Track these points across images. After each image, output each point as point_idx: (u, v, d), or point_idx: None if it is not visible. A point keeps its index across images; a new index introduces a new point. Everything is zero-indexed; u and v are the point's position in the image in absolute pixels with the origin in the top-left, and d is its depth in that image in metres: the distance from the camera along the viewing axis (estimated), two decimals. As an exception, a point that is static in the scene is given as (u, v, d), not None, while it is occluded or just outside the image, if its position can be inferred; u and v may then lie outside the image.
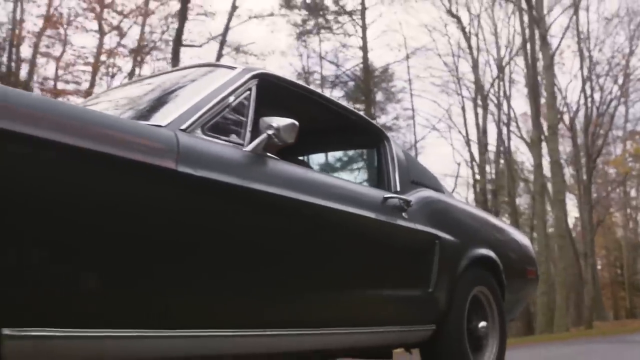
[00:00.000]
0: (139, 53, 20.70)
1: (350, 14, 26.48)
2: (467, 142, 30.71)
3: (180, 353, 2.59)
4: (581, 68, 29.59)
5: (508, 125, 30.02)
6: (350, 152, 5.08)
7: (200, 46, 22.28)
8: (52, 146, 2.11)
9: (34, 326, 2.04)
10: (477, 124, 29.94)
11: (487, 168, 31.15)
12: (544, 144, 24.69)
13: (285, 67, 25.91)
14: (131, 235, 2.34)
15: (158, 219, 2.42)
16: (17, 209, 2.00)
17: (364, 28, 26.25)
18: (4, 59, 19.03)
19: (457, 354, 4.10)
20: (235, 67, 3.22)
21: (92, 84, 19.34)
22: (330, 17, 26.70)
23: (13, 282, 1.98)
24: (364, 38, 26.22)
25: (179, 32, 19.77)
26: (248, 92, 3.08)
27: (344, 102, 4.29)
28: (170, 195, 2.46)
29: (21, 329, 2.00)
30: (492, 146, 30.89)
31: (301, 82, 3.75)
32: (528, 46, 26.24)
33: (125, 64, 22.29)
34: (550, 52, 24.49)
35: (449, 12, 28.99)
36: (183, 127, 2.67)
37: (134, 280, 2.34)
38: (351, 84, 26.82)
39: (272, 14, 23.92)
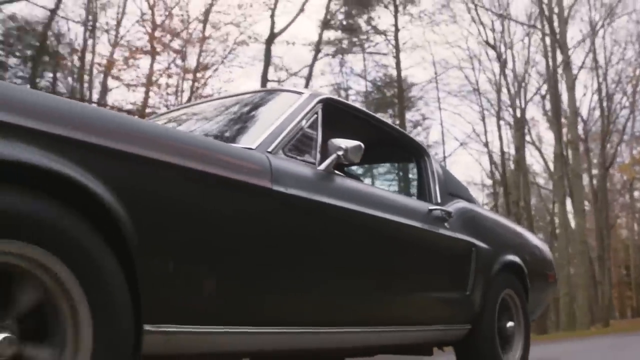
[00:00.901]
0: (195, 74, 20.83)
1: (383, 33, 26.31)
2: (489, 154, 30.45)
3: (272, 347, 2.75)
4: (599, 89, 29.34)
5: (523, 134, 29.66)
6: (395, 166, 5.14)
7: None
8: (184, 171, 2.28)
9: (166, 323, 2.17)
10: (500, 137, 29.67)
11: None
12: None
13: (320, 84, 25.82)
14: (238, 246, 2.48)
15: (258, 232, 2.56)
16: (160, 226, 2.16)
17: (397, 49, 26.09)
18: (76, 83, 19.19)
19: (490, 351, 4.14)
20: (302, 92, 3.30)
21: (145, 104, 19.42)
22: (363, 36, 26.52)
23: (154, 288, 2.11)
24: (397, 58, 26.09)
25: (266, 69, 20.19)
26: (315, 116, 3.16)
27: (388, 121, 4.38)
28: (267, 210, 2.60)
29: (157, 325, 2.13)
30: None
31: (356, 104, 3.84)
32: (548, 61, 26.25)
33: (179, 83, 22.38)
34: (573, 77, 24.66)
35: (487, 42, 28.45)
36: (269, 149, 2.78)
37: (237, 284, 2.48)
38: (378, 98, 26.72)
39: (317, 42, 23.83)
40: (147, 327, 2.08)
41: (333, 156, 3.01)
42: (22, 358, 1.77)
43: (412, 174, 5.03)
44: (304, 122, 3.06)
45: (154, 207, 2.15)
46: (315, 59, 23.28)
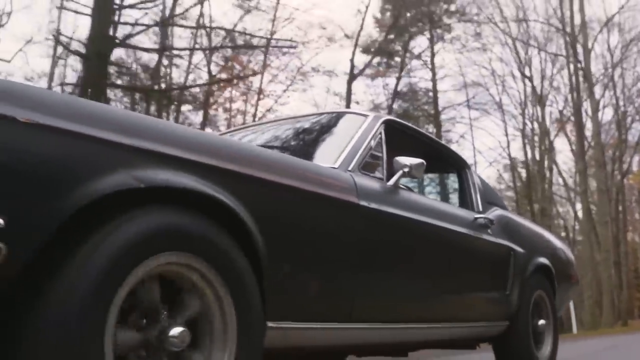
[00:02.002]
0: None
1: (419, 57, 26.21)
2: (512, 167, 30.00)
3: (361, 341, 2.87)
4: (616, 105, 28.72)
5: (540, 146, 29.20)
6: (441, 177, 5.16)
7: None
8: (294, 190, 2.42)
9: (284, 320, 2.30)
10: (525, 153, 29.25)
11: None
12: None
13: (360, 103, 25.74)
14: (334, 253, 2.58)
15: (349, 241, 2.65)
16: (278, 237, 2.28)
17: (433, 72, 26.00)
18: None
19: (525, 347, 4.14)
20: (367, 114, 3.36)
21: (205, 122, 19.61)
22: (398, 58, 26.28)
23: (274, 290, 2.23)
24: (433, 81, 25.99)
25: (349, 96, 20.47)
26: (380, 135, 3.21)
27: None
28: (356, 222, 2.68)
29: (278, 322, 2.26)
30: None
31: (411, 124, 3.88)
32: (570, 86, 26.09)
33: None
34: (596, 101, 24.64)
35: (523, 74, 28.04)
36: (350, 168, 2.86)
37: (335, 286, 2.59)
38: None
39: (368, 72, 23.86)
40: (270, 324, 2.20)
41: (400, 172, 3.06)
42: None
43: (447, 184, 5.03)
44: (372, 142, 3.12)
45: (275, 221, 2.27)
46: (352, 78, 23.31)
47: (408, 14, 24.12)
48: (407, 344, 3.47)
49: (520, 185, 30.21)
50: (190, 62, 18.32)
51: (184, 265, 1.91)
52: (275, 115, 19.84)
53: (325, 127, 3.54)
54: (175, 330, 1.86)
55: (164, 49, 16.22)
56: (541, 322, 4.39)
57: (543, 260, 4.47)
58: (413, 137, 3.80)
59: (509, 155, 29.64)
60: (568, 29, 25.70)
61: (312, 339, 2.55)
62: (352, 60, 22.78)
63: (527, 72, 27.81)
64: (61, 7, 13.75)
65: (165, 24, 15.61)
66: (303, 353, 2.93)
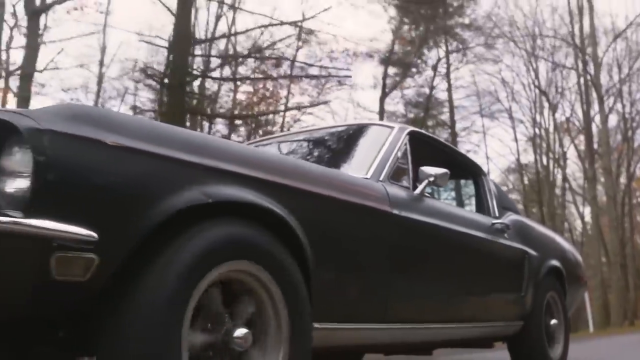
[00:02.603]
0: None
1: (434, 68, 25.76)
2: (520, 171, 29.65)
3: (392, 340, 2.93)
4: (622, 113, 28.28)
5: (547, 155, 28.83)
6: (457, 183, 5.16)
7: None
8: (336, 201, 2.49)
9: (327, 322, 2.36)
10: (536, 160, 28.89)
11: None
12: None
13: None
14: (370, 259, 2.63)
15: (383, 248, 2.69)
16: (323, 244, 2.34)
17: (449, 83, 25.87)
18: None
19: (539, 345, 4.14)
20: (393, 126, 3.38)
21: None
22: (414, 69, 25.84)
23: (319, 293, 2.29)
24: (449, 91, 25.85)
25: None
26: (406, 146, 3.23)
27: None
28: (389, 230, 2.73)
29: (322, 323, 2.31)
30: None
31: (431, 134, 3.93)
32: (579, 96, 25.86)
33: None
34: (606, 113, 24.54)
35: (541, 91, 27.55)
36: (380, 178, 2.90)
37: (370, 290, 2.63)
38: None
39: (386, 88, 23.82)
40: (315, 325, 2.25)
41: (425, 182, 3.08)
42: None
43: (462, 189, 5.04)
44: (399, 152, 3.14)
45: (319, 230, 2.33)
46: (384, 95, 23.31)
47: (422, 27, 23.96)
48: (433, 343, 3.50)
49: (528, 189, 29.93)
50: (255, 89, 18.92)
51: (244, 271, 1.99)
52: (300, 125, 19.93)
53: (352, 139, 3.56)
54: (240, 332, 1.95)
55: (239, 78, 17.36)
56: (553, 321, 4.38)
57: (554, 262, 4.46)
58: (434, 147, 3.82)
59: (518, 160, 29.41)
60: (577, 40, 25.57)
61: (351, 338, 2.62)
62: (384, 79, 22.77)
63: (536, 82, 27.63)
64: (143, 41, 14.87)
65: (237, 56, 16.87)
66: (337, 351, 2.98)
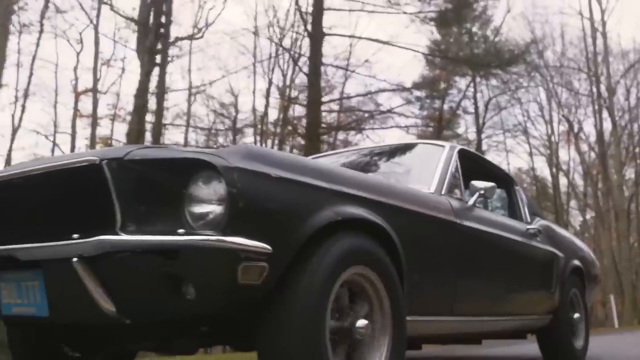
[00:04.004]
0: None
1: (461, 90, 24.86)
2: (536, 184, 28.92)
3: (458, 331, 3.10)
4: (630, 121, 27.45)
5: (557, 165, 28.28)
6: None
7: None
8: (418, 214, 2.68)
9: (415, 315, 2.52)
10: (552, 174, 28.17)
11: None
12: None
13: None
14: (442, 262, 2.79)
15: (452, 253, 2.85)
16: (411, 250, 2.47)
17: (475, 105, 25.52)
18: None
19: (565, 336, 4.16)
20: (444, 145, 3.47)
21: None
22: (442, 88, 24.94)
23: (409, 291, 2.46)
24: (476, 113, 25.49)
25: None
26: (456, 163, 3.31)
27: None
28: (455, 237, 2.88)
29: (412, 315, 2.46)
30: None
31: (476, 151, 4.03)
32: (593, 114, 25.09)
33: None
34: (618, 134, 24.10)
35: (563, 116, 26.79)
36: (442, 192, 3.01)
37: (442, 288, 2.80)
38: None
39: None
40: (407, 317, 2.39)
41: (477, 194, 3.17)
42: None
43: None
44: (452, 169, 3.23)
45: (408, 238, 2.45)
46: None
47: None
48: (485, 333, 3.63)
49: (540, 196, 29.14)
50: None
51: (361, 274, 2.17)
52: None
53: (407, 156, 3.70)
54: (362, 322, 2.15)
55: (357, 128, 18.61)
56: (576, 315, 4.38)
57: (577, 262, 4.48)
58: (476, 162, 3.88)
59: (534, 176, 28.64)
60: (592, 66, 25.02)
61: (428, 328, 2.78)
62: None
63: (560, 112, 26.83)
64: (288, 101, 18.14)
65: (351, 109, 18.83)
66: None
